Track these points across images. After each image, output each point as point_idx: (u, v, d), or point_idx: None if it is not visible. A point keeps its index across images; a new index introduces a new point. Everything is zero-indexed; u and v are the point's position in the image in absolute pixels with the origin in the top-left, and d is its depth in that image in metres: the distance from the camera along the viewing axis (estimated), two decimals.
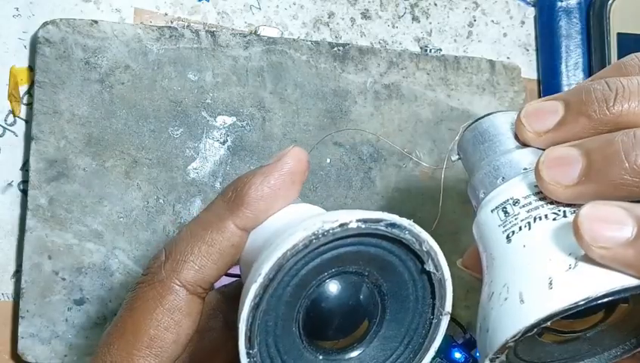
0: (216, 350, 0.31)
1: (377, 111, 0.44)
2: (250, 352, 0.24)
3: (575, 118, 0.27)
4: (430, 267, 0.26)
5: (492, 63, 0.47)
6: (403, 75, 0.45)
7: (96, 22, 0.39)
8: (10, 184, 0.41)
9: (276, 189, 0.28)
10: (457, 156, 0.31)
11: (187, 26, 0.43)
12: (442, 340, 0.27)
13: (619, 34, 0.49)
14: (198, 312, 0.28)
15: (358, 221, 0.24)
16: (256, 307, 0.23)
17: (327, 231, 0.23)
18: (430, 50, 0.46)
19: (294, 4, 0.45)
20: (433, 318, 0.26)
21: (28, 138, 0.40)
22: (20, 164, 0.41)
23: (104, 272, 0.41)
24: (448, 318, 0.26)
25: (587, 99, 0.27)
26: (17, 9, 0.40)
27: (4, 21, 0.40)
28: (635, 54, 0.28)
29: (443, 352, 0.33)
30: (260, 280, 0.23)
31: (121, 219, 0.41)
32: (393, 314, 0.27)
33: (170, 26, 0.41)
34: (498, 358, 0.25)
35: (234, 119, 0.42)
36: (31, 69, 0.40)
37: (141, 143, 0.41)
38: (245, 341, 0.24)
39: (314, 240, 0.23)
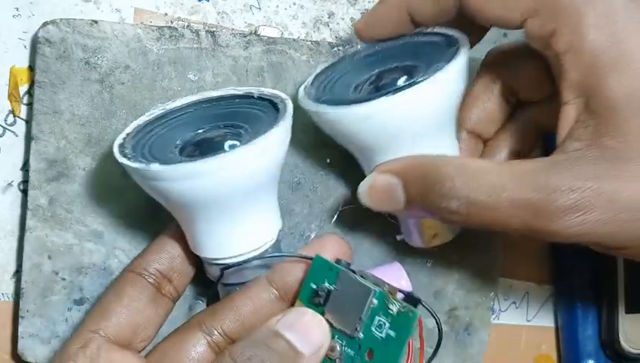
0: None
1: None
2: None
3: None
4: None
5: None
6: None
7: (96, 22, 0.39)
8: (10, 184, 0.41)
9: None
10: None
11: (188, 26, 0.43)
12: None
13: None
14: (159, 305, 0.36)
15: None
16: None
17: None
18: None
19: (294, 4, 0.45)
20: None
21: (28, 138, 0.40)
22: (20, 164, 0.41)
23: (104, 272, 0.41)
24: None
25: None
26: (17, 9, 0.40)
27: (4, 21, 0.40)
28: None
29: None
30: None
31: (121, 219, 0.41)
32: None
33: (170, 26, 0.41)
34: None
35: None
36: (31, 69, 0.40)
37: None
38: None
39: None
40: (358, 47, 0.42)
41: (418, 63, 0.38)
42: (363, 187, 0.36)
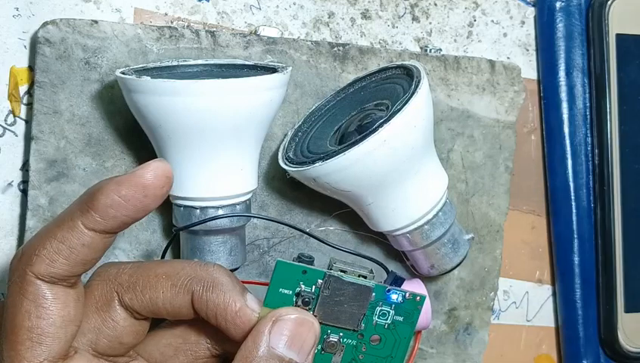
0: (123, 332, 0.33)
1: None
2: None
3: None
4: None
5: (492, 63, 0.47)
6: None
7: (96, 22, 0.39)
8: (10, 184, 0.41)
9: (126, 199, 0.29)
10: None
11: (187, 26, 0.43)
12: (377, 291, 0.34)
13: (618, 35, 0.49)
14: (68, 296, 0.30)
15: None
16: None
17: None
18: (430, 50, 0.46)
19: (294, 4, 0.45)
20: None
21: (28, 138, 0.40)
22: (20, 164, 0.41)
23: None
24: None
25: None
26: (17, 9, 0.40)
27: (4, 21, 0.40)
28: None
29: (381, 300, 0.34)
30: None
31: None
32: None
33: (170, 26, 0.41)
34: None
35: None
36: (31, 69, 0.40)
37: (141, 143, 0.40)
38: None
39: None
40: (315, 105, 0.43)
41: (384, 101, 0.40)
42: None
